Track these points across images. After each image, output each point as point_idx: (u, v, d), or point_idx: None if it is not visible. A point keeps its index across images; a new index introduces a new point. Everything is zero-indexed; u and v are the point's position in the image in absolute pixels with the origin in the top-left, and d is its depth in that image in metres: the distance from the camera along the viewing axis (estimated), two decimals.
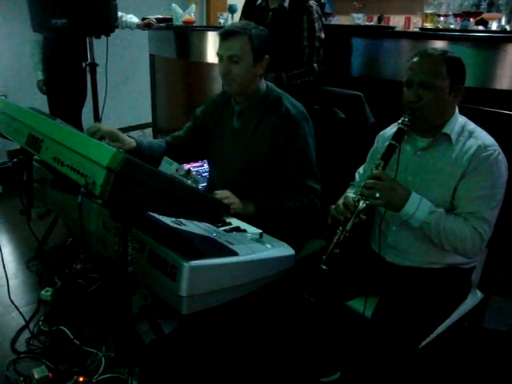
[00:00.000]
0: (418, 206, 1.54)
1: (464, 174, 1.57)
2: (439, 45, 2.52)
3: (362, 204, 1.54)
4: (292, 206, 1.86)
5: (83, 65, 3.41)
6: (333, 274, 1.57)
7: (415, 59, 1.61)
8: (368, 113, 2.31)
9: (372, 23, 4.45)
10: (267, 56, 1.90)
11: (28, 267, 2.90)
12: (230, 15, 3.90)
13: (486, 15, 2.77)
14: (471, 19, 2.74)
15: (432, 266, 1.69)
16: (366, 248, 1.85)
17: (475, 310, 1.79)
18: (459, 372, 2.05)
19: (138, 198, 1.14)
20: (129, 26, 3.96)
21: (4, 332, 2.29)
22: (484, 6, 2.66)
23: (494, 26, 2.79)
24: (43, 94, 3.78)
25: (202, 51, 3.94)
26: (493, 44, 2.41)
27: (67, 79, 3.63)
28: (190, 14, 4.09)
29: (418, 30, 3.06)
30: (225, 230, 1.58)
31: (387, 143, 1.62)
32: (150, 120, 5.12)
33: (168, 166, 1.76)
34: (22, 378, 1.95)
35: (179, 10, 4.10)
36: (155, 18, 4.09)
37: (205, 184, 2.30)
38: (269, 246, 1.51)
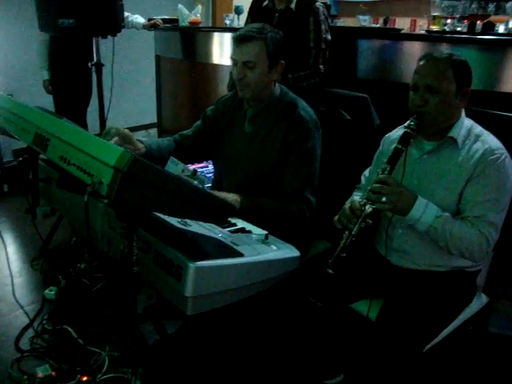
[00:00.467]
0: (424, 211, 1.54)
1: (470, 178, 1.56)
2: (446, 47, 2.51)
3: (368, 208, 1.53)
4: (277, 209, 1.81)
5: (89, 64, 3.41)
6: (338, 276, 1.56)
7: (421, 63, 1.60)
8: (374, 115, 2.31)
9: (378, 25, 4.44)
10: (282, 61, 1.87)
11: (32, 266, 2.89)
12: (236, 16, 3.91)
13: (493, 18, 2.76)
14: (478, 22, 2.73)
15: (437, 269, 1.69)
16: (371, 250, 1.85)
17: (480, 313, 1.79)
18: (463, 376, 2.05)
19: (145, 198, 1.14)
20: (135, 26, 3.97)
21: (8, 330, 2.30)
22: (491, 8, 2.66)
23: (501, 28, 2.78)
24: (49, 93, 3.80)
25: (207, 52, 3.94)
26: (500, 46, 2.41)
27: (73, 79, 3.65)
28: (196, 15, 4.10)
29: (423, 32, 3.06)
30: (230, 231, 1.58)
31: (393, 146, 1.61)
32: (155, 120, 5.13)
33: (174, 167, 1.75)
34: (25, 377, 1.95)
35: (185, 11, 4.11)
36: (161, 19, 4.10)
37: (209, 185, 2.30)
38: (274, 247, 1.51)
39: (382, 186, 1.53)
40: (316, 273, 1.69)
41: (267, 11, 2.65)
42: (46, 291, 2.54)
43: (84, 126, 3.68)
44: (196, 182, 1.75)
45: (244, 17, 3.19)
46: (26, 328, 2.29)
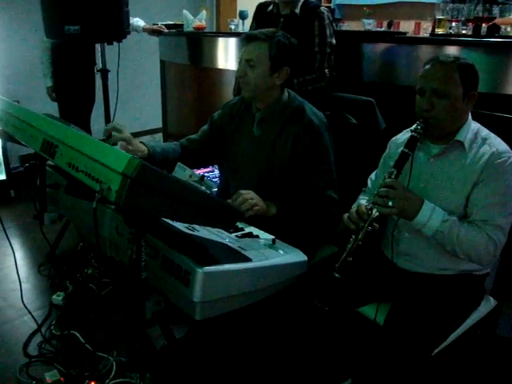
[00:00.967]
0: (430, 215, 1.53)
1: (477, 181, 1.56)
2: (452, 50, 2.51)
3: (374, 212, 1.53)
4: (312, 213, 1.86)
5: (95, 70, 3.43)
6: (345, 280, 1.56)
7: (427, 67, 1.60)
8: (379, 118, 2.31)
9: (382, 29, 4.44)
10: (287, 68, 1.88)
11: (39, 271, 2.91)
12: (240, 21, 3.92)
13: (498, 20, 2.76)
14: (483, 24, 2.73)
15: (445, 273, 1.69)
16: (378, 254, 1.85)
17: (488, 317, 1.78)
18: (472, 380, 2.04)
19: (153, 203, 1.14)
20: (135, 28, 3.97)
21: (16, 336, 2.31)
22: (496, 11, 2.65)
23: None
24: (53, 100, 3.82)
25: (212, 57, 3.96)
26: (505, 49, 2.41)
27: (76, 85, 3.66)
28: (201, 20, 4.12)
29: (427, 35, 3.07)
30: (237, 236, 1.58)
31: (400, 149, 1.61)
32: (160, 125, 5.14)
33: (182, 172, 1.76)
34: (34, 382, 1.97)
35: (190, 16, 4.13)
36: (165, 24, 4.12)
37: (215, 190, 2.30)
38: (281, 251, 1.51)
39: (389, 191, 1.52)
40: (323, 277, 1.69)
41: (272, 16, 2.66)
42: (54, 296, 2.55)
43: (88, 131, 3.69)
44: (204, 188, 1.75)
45: (249, 22, 3.20)
46: (34, 333, 2.30)
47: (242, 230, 1.66)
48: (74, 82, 3.66)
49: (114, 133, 1.84)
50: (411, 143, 1.58)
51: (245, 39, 1.89)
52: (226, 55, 3.83)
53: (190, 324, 1.98)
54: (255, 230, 1.67)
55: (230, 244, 1.46)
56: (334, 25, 2.66)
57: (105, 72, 3.29)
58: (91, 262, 2.79)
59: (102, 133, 1.86)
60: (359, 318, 1.76)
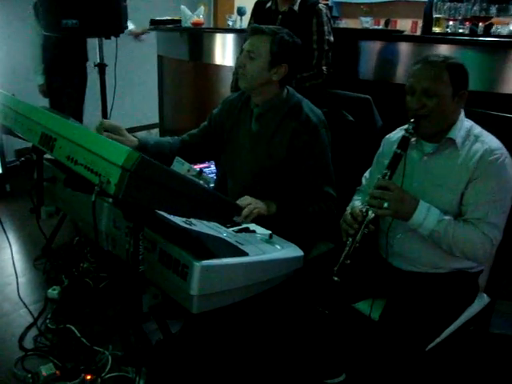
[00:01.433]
0: (426, 215, 1.54)
1: (471, 179, 1.57)
2: (449, 49, 2.52)
3: (370, 214, 1.54)
4: (311, 210, 1.87)
5: (93, 64, 3.43)
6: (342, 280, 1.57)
7: (416, 66, 1.60)
8: (376, 116, 2.32)
9: (380, 27, 4.45)
10: (286, 65, 1.88)
11: (35, 265, 2.91)
12: (238, 17, 3.92)
13: (495, 20, 2.77)
14: (480, 24, 2.74)
15: (439, 271, 1.70)
16: (373, 253, 1.85)
17: (481, 313, 1.80)
18: (465, 376, 2.06)
19: (152, 197, 1.15)
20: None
21: (12, 329, 2.31)
22: (493, 10, 2.66)
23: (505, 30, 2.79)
24: (45, 97, 3.81)
25: (210, 53, 3.95)
26: (501, 49, 2.42)
27: (69, 80, 3.66)
28: (199, 16, 4.11)
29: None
30: (234, 231, 1.59)
31: (393, 148, 1.62)
32: (156, 121, 5.14)
33: (180, 166, 1.77)
34: (29, 375, 1.97)
35: (188, 12, 4.12)
36: (163, 20, 4.11)
37: (212, 185, 2.31)
38: (278, 246, 1.52)
39: (384, 192, 1.53)
40: (319, 275, 1.69)
41: (270, 13, 2.67)
42: (50, 290, 2.55)
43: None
44: (202, 182, 1.76)
45: (247, 18, 3.21)
46: (29, 327, 2.30)
47: (239, 224, 1.66)
48: (67, 77, 3.65)
49: (102, 119, 1.86)
50: (403, 144, 1.59)
51: (250, 31, 1.92)
52: (224, 51, 3.82)
53: (186, 318, 1.99)
54: (252, 225, 1.68)
55: (227, 238, 1.47)
56: (331, 22, 2.66)
57: (102, 67, 3.28)
58: (87, 257, 2.79)
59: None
60: (354, 314, 1.77)
